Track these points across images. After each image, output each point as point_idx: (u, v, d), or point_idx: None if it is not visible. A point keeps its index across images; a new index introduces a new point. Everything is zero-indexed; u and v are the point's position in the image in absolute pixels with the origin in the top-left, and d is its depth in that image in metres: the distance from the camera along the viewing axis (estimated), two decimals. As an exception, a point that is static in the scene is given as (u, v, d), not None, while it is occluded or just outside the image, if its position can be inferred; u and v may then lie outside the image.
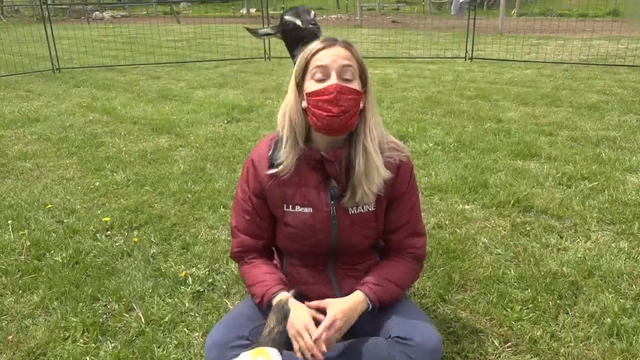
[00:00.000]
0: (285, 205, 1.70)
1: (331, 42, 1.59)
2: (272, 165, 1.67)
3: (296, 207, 1.69)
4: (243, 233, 1.77)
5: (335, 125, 1.56)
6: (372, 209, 1.70)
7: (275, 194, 1.70)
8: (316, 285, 1.76)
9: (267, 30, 1.99)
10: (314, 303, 1.64)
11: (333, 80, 1.54)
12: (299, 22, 1.86)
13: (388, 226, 1.77)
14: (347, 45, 1.60)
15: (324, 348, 1.53)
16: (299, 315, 1.58)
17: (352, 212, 1.68)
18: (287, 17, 1.90)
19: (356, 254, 1.79)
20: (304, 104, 1.59)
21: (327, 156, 1.63)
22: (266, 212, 1.74)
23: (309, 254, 1.78)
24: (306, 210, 1.68)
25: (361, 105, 1.60)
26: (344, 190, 1.66)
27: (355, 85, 1.57)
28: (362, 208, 1.69)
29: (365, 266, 1.82)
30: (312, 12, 1.94)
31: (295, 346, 1.56)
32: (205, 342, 1.62)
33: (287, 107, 1.62)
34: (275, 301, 1.62)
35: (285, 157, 1.63)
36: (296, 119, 1.60)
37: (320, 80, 1.55)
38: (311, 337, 1.53)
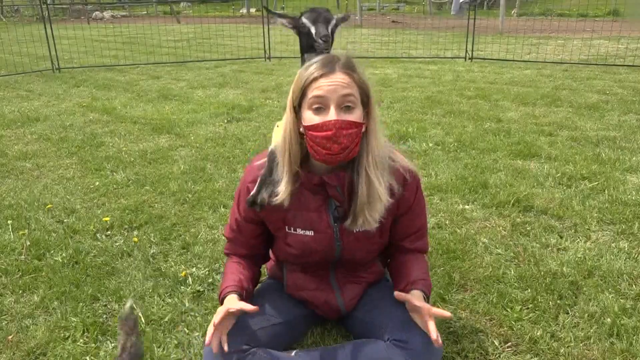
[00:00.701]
0: (287, 227, 1.68)
1: (330, 69, 1.48)
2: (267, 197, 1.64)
3: (297, 229, 1.67)
4: (233, 243, 1.83)
5: (334, 161, 1.52)
6: (377, 225, 1.68)
7: (274, 218, 1.69)
8: (317, 291, 1.76)
9: (284, 22, 1.93)
10: (402, 295, 1.65)
11: (332, 114, 1.46)
12: (312, 30, 1.80)
13: (396, 235, 1.76)
14: (348, 70, 1.50)
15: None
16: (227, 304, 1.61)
17: (357, 229, 1.65)
18: (303, 19, 1.84)
19: (359, 263, 1.79)
20: (302, 129, 1.53)
21: (329, 181, 1.59)
22: (256, 233, 1.77)
23: (310, 264, 1.77)
24: (308, 233, 1.66)
25: (363, 128, 1.53)
26: (345, 212, 1.63)
27: (356, 113, 1.49)
28: (372, 227, 1.65)
29: (367, 272, 1.82)
30: (333, 22, 1.80)
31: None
32: (204, 346, 1.62)
33: (286, 131, 1.54)
34: (225, 301, 1.64)
35: (284, 189, 1.58)
36: (293, 145, 1.54)
37: (318, 111, 1.48)
38: (220, 319, 1.53)
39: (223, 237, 2.69)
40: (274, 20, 2.18)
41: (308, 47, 1.80)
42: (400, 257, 1.80)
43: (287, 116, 1.54)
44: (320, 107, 1.48)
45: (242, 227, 1.76)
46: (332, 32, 1.80)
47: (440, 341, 1.52)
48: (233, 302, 1.61)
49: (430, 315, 1.54)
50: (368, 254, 1.75)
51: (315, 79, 1.48)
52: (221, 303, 1.67)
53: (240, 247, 1.81)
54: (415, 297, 1.62)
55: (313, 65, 1.50)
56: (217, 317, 1.53)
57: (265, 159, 1.67)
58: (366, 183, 1.55)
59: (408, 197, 1.69)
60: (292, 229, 1.68)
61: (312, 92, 1.48)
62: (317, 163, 1.60)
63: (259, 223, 1.74)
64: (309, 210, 1.65)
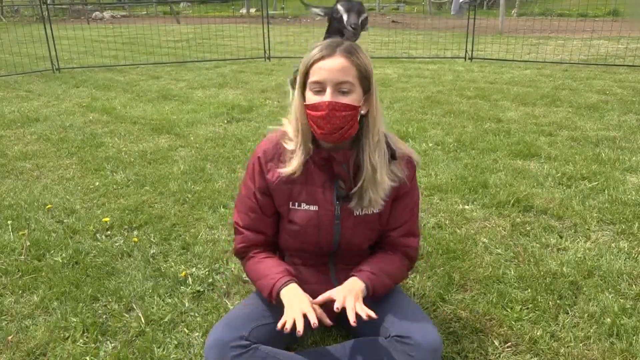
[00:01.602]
0: (291, 203, 1.71)
1: (330, 51, 1.56)
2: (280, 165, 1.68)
3: (302, 204, 1.70)
4: (246, 229, 1.77)
5: (330, 140, 1.60)
6: (377, 211, 1.70)
7: (281, 191, 1.71)
8: (317, 285, 1.77)
9: (318, 11, 1.99)
10: (319, 299, 1.64)
11: (327, 96, 1.54)
12: (345, 17, 1.87)
13: (387, 224, 1.78)
14: (348, 53, 1.57)
15: (328, 321, 1.57)
16: (298, 302, 1.59)
17: (357, 213, 1.69)
18: (338, 6, 1.91)
19: (357, 254, 1.79)
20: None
21: (336, 156, 1.64)
22: (271, 209, 1.75)
23: (310, 254, 1.78)
24: (312, 208, 1.69)
25: (363, 111, 1.60)
26: (349, 191, 1.67)
27: (353, 97, 1.56)
28: (368, 210, 1.69)
29: None
30: (364, 15, 1.92)
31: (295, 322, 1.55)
32: (206, 342, 1.62)
33: (295, 108, 1.63)
34: (289, 290, 1.63)
35: (296, 159, 1.64)
36: (303, 121, 1.61)
37: (317, 92, 1.56)
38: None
39: (223, 237, 2.70)
40: (308, 9, 2.25)
41: (336, 31, 1.88)
42: (378, 251, 1.81)
43: (297, 95, 1.63)
44: (319, 89, 1.56)
45: (261, 203, 1.74)
46: (363, 24, 1.87)
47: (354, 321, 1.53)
48: (303, 298, 1.60)
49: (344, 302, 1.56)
50: (366, 240, 1.76)
51: (316, 61, 1.56)
52: (275, 297, 1.65)
53: (264, 228, 1.76)
54: (336, 292, 1.62)
55: (317, 48, 1.58)
56: (306, 307, 1.56)
57: (279, 130, 1.73)
58: (371, 163, 1.61)
59: (405, 181, 1.72)
60: (296, 204, 1.70)
61: (312, 77, 1.56)
62: (323, 142, 1.65)
63: (270, 197, 1.74)
64: (314, 185, 1.68)
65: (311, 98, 1.57)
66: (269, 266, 1.72)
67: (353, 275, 1.69)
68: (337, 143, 1.62)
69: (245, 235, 1.77)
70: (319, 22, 11.90)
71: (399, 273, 1.80)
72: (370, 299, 1.80)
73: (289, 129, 1.68)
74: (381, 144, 1.65)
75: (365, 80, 1.58)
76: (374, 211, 1.70)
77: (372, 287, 1.67)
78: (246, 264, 1.80)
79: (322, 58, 1.55)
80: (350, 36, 1.80)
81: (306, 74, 1.58)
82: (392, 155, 1.68)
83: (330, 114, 1.53)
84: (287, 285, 1.65)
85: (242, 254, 1.81)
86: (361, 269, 1.71)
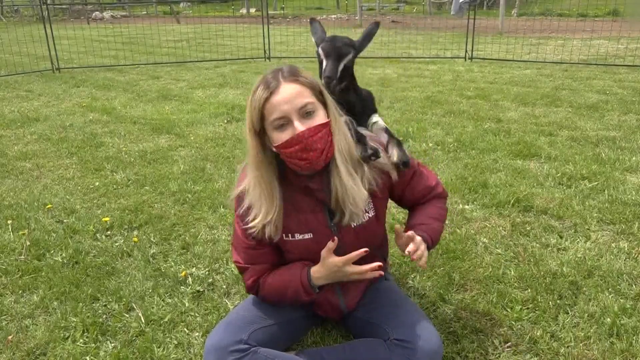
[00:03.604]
0: (284, 235, 1.67)
1: (276, 83, 1.48)
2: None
3: (295, 235, 1.66)
4: (250, 264, 1.72)
5: (318, 165, 1.54)
6: (372, 214, 1.69)
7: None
8: (320, 293, 1.76)
9: (315, 38, 1.84)
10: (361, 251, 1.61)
11: (298, 126, 1.47)
12: (323, 65, 1.70)
13: (409, 202, 1.80)
14: (293, 76, 1.50)
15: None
16: (329, 264, 1.59)
17: (355, 224, 1.66)
18: (319, 50, 1.73)
19: (361, 259, 1.78)
20: (274, 149, 1.54)
21: (312, 186, 1.61)
22: (267, 242, 1.68)
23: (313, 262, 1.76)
24: (307, 236, 1.65)
25: (331, 125, 1.55)
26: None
27: (320, 114, 1.51)
28: (363, 218, 1.67)
29: None
30: (348, 58, 1.71)
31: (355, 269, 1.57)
32: (205, 346, 1.62)
33: (252, 159, 1.56)
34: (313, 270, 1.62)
35: (263, 213, 1.58)
36: (263, 170, 1.55)
37: (282, 128, 1.49)
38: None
39: (223, 237, 2.70)
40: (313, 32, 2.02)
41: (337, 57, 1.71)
42: (417, 206, 1.82)
43: (250, 143, 1.54)
44: (283, 123, 1.49)
45: (257, 239, 1.67)
46: (348, 67, 1.71)
47: (422, 262, 1.55)
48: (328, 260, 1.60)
49: (408, 240, 1.57)
50: (370, 242, 1.75)
51: (266, 99, 1.48)
52: (308, 289, 1.64)
53: (266, 259, 1.72)
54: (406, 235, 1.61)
55: (259, 88, 1.50)
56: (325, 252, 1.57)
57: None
58: (338, 178, 1.56)
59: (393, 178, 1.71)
60: (290, 236, 1.66)
61: (272, 115, 1.48)
62: (297, 171, 1.61)
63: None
64: (304, 212, 1.64)
65: (279, 137, 1.49)
66: (283, 274, 1.69)
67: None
68: (321, 168, 1.57)
69: (250, 269, 1.72)
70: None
71: (443, 211, 1.81)
72: (370, 301, 1.80)
73: (248, 190, 1.61)
74: (350, 151, 1.58)
75: (320, 95, 1.54)
76: (369, 216, 1.68)
77: (430, 238, 1.66)
78: (262, 292, 1.73)
79: (271, 94, 1.47)
80: (328, 89, 1.63)
81: (261, 118, 1.50)
82: (365, 159, 1.62)
83: (309, 141, 1.47)
84: (309, 268, 1.64)
85: (255, 287, 1.74)
86: (413, 225, 1.70)
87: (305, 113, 1.49)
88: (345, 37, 1.78)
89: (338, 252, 1.67)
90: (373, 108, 1.87)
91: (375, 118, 1.84)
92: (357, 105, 1.79)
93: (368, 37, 1.78)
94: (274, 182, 1.58)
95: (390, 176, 1.68)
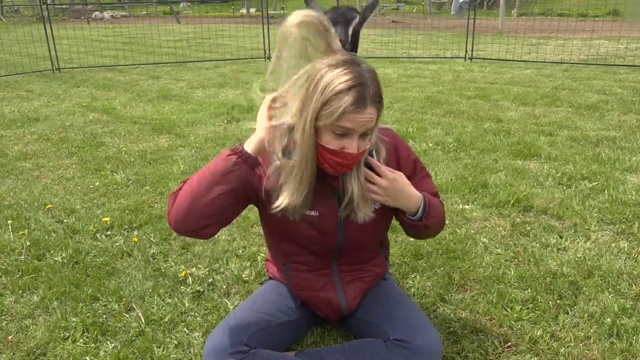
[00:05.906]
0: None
1: (362, 105, 1.41)
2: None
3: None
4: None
5: (338, 173, 1.56)
6: (378, 205, 1.68)
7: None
8: (322, 292, 1.76)
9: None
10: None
11: (354, 147, 1.45)
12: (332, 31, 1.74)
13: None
14: (377, 100, 1.46)
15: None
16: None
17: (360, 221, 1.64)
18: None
19: (364, 252, 1.78)
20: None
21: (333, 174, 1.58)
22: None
23: (313, 256, 1.76)
24: (312, 213, 1.64)
25: None
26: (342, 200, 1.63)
27: (373, 134, 1.52)
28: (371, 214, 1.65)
29: (370, 264, 1.81)
30: (355, 21, 1.69)
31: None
32: (204, 348, 1.62)
33: (303, 147, 1.47)
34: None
35: (291, 197, 1.53)
36: (309, 164, 1.51)
37: (340, 136, 1.45)
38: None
39: (223, 237, 2.70)
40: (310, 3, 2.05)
41: (346, 21, 1.74)
42: None
43: (307, 131, 1.46)
44: (343, 133, 1.45)
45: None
46: (356, 32, 1.71)
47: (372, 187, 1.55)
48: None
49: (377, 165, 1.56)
50: (373, 238, 1.74)
51: (350, 112, 1.41)
52: (230, 151, 1.53)
53: None
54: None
55: (347, 96, 1.40)
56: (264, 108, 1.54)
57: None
58: (357, 180, 1.56)
59: (405, 158, 1.71)
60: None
61: (341, 122, 1.42)
62: None
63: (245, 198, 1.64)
64: (316, 191, 1.61)
65: (332, 142, 1.46)
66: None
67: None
68: None
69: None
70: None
71: (442, 207, 1.74)
72: (370, 301, 1.80)
73: (276, 146, 1.52)
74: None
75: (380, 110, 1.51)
76: (375, 207, 1.66)
77: (429, 206, 1.61)
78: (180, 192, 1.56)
79: (354, 111, 1.41)
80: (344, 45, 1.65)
81: (329, 115, 1.42)
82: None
83: (352, 162, 1.49)
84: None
85: (174, 196, 1.58)
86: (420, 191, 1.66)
87: (365, 133, 1.47)
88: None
89: (339, 244, 1.68)
90: None
91: None
92: None
93: (370, 8, 1.80)
94: (313, 177, 1.55)
95: (400, 169, 1.67)
